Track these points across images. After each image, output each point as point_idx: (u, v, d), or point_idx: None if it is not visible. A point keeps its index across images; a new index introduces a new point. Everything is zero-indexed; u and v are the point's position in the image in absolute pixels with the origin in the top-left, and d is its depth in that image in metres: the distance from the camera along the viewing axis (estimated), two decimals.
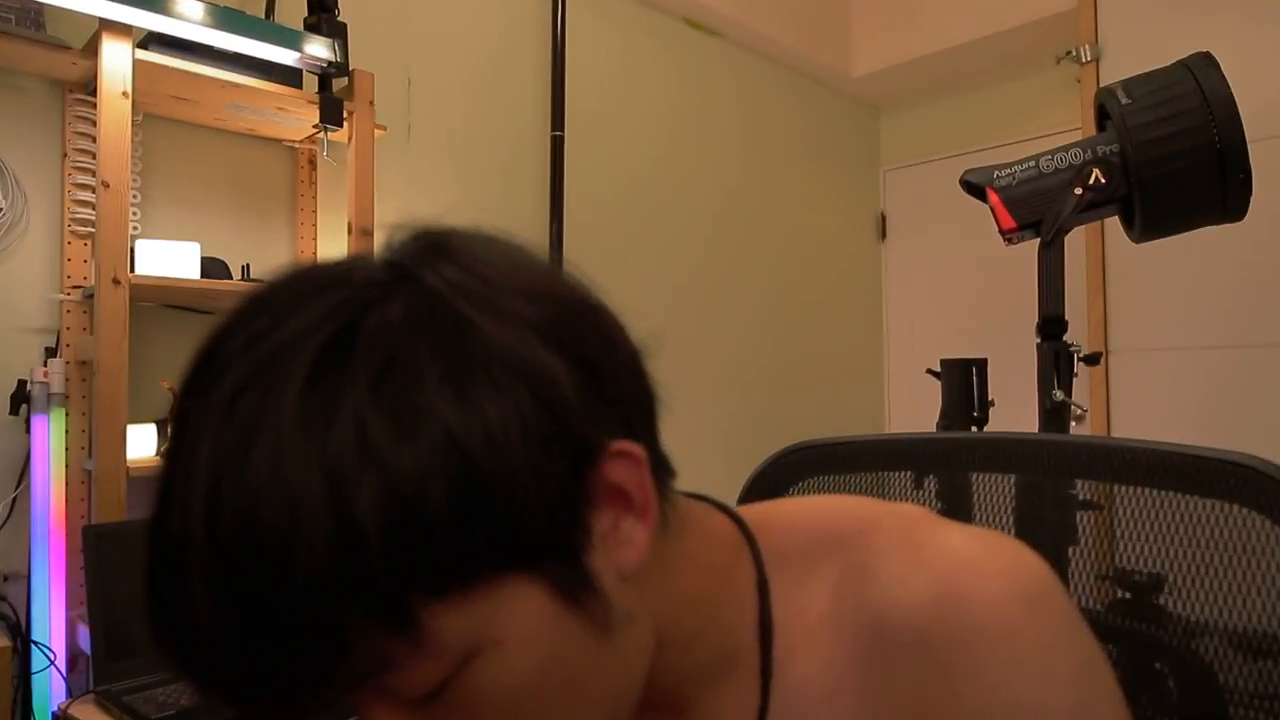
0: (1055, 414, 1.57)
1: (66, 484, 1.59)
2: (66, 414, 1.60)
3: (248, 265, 1.83)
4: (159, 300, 1.73)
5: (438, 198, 2.24)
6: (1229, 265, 2.36)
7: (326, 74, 1.78)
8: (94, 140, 1.57)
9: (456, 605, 0.36)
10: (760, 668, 0.47)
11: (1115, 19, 2.56)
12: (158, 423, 1.67)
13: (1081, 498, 0.69)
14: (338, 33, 1.77)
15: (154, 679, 1.36)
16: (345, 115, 1.81)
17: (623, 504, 0.41)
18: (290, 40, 1.69)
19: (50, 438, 1.55)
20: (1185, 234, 1.67)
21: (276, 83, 1.73)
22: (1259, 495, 0.58)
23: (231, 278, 1.75)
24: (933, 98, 3.54)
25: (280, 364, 0.35)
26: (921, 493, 0.76)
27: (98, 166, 1.53)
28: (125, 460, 1.52)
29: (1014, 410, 1.77)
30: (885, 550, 0.45)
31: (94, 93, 1.56)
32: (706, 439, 2.87)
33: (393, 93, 2.16)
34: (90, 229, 1.65)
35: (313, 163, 2.01)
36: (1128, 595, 0.67)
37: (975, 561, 0.43)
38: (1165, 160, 1.53)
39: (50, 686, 1.49)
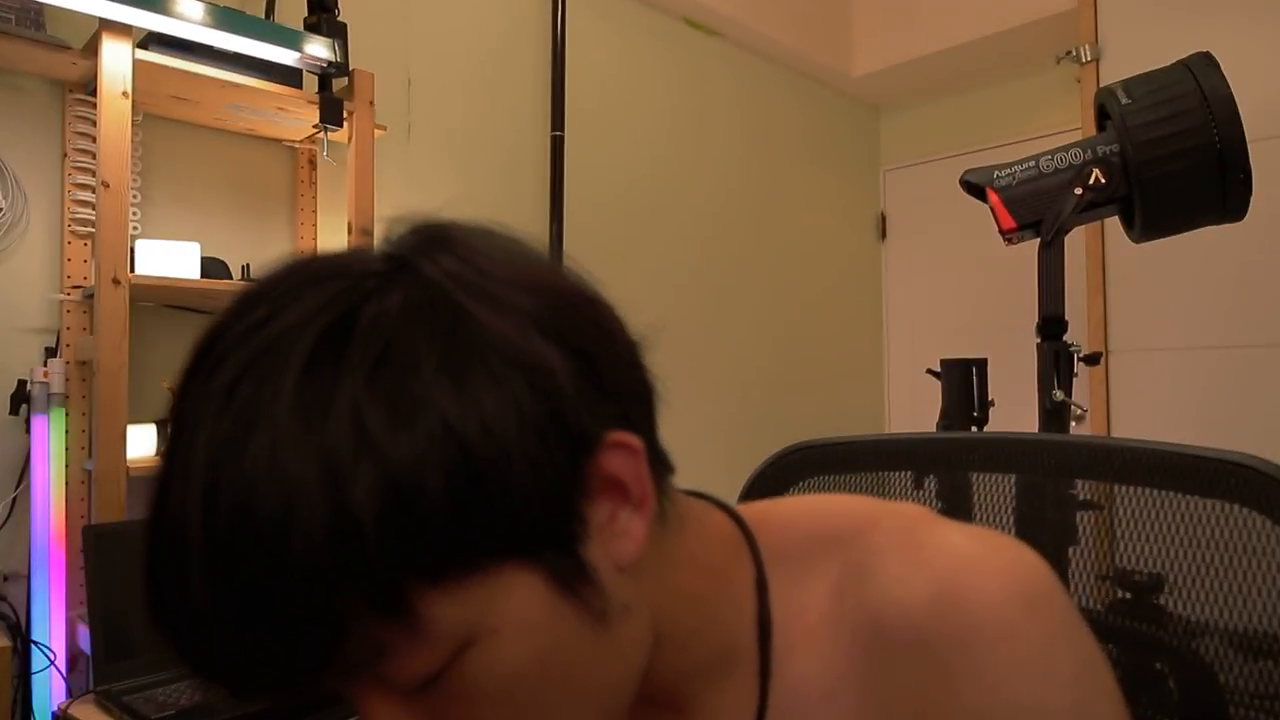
0: (1055, 414, 1.57)
1: (66, 484, 1.59)
2: (66, 414, 1.60)
3: (248, 265, 1.83)
4: (159, 300, 1.73)
5: (438, 198, 2.24)
6: (1229, 265, 2.36)
7: (326, 74, 1.78)
8: (94, 140, 1.57)
9: (453, 593, 0.36)
10: (759, 666, 0.47)
11: (1115, 19, 2.56)
12: (158, 423, 1.67)
13: (1081, 498, 0.69)
14: (338, 33, 1.77)
15: (154, 679, 1.35)
16: (345, 115, 1.81)
17: (620, 496, 0.41)
18: (290, 40, 1.69)
19: (50, 438, 1.55)
20: (1185, 234, 1.67)
21: (276, 83, 1.73)
22: (1259, 495, 0.58)
23: (231, 278, 1.75)
24: (933, 98, 3.54)
25: (277, 353, 0.35)
26: (921, 493, 0.76)
27: (98, 166, 1.53)
28: (125, 460, 1.52)
29: (1014, 410, 1.76)
30: (885, 549, 0.45)
31: (94, 93, 1.56)
32: (706, 439, 2.87)
33: (393, 93, 2.16)
34: (90, 229, 1.65)
35: (313, 163, 2.01)
36: (1128, 595, 0.67)
37: (975, 561, 0.43)
38: (1165, 160, 1.53)
39: (50, 686, 1.49)
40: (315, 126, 1.81)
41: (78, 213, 1.67)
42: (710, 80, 2.99)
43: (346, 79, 1.84)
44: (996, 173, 1.64)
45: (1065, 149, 1.61)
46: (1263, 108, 2.22)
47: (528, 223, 2.40)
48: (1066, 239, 1.58)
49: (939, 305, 3.51)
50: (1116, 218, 1.72)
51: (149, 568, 0.36)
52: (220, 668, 0.36)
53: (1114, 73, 2.26)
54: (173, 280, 1.61)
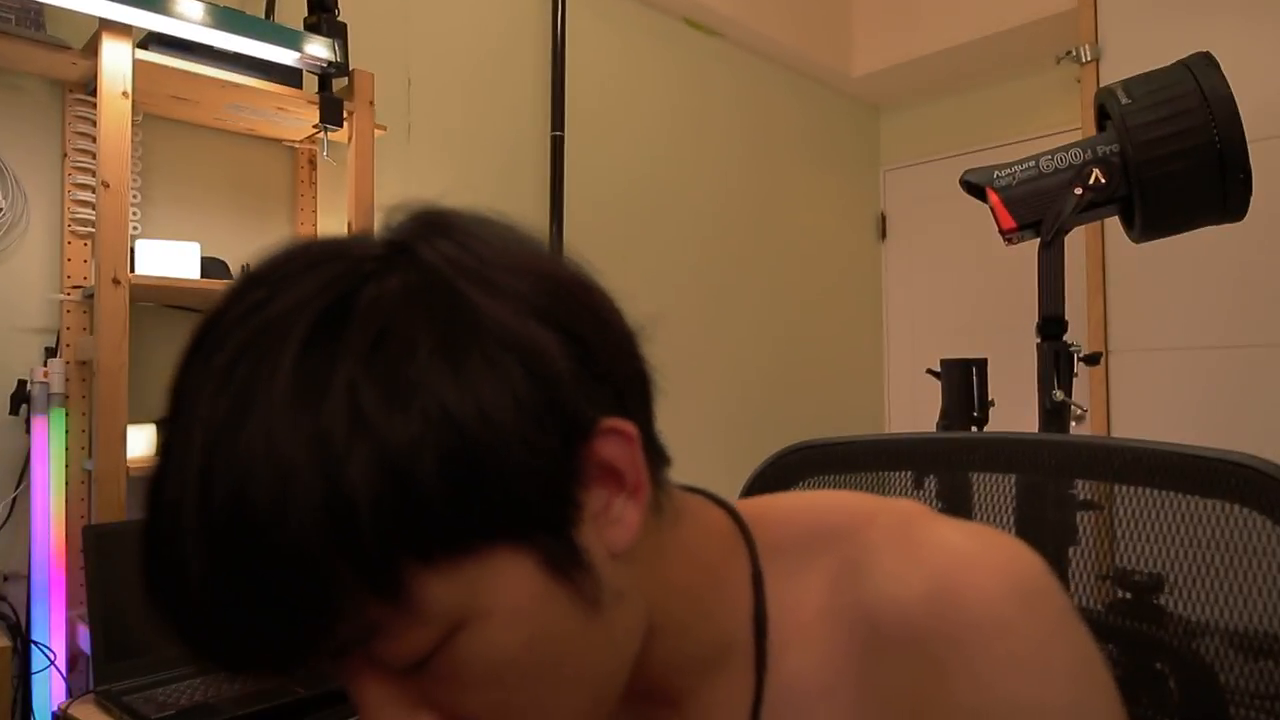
0: (1055, 414, 1.57)
1: (66, 484, 1.59)
2: (66, 414, 1.60)
3: (248, 265, 1.82)
4: (159, 300, 1.73)
5: (438, 198, 2.24)
6: (1229, 265, 2.36)
7: (326, 74, 1.78)
8: (94, 140, 1.57)
9: (445, 574, 0.36)
10: (755, 661, 0.47)
11: (1115, 19, 2.56)
12: (158, 423, 1.67)
13: (1081, 498, 0.69)
14: (338, 33, 1.77)
15: (154, 679, 1.36)
16: (345, 115, 1.81)
17: (615, 483, 0.41)
18: (290, 40, 1.69)
19: (50, 438, 1.55)
20: (1185, 234, 1.67)
21: (276, 83, 1.73)
22: (1259, 495, 0.58)
23: (231, 277, 1.75)
24: (933, 98, 3.54)
25: (275, 334, 0.35)
26: (921, 493, 0.76)
27: (98, 166, 1.53)
28: (125, 460, 1.52)
29: (1014, 410, 1.76)
30: (881, 546, 0.45)
31: (94, 93, 1.56)
32: (706, 439, 2.87)
33: (393, 93, 2.16)
34: (90, 229, 1.65)
35: (313, 163, 2.01)
36: (1128, 595, 0.67)
37: (971, 558, 0.43)
38: (1165, 160, 1.53)
39: (50, 686, 1.49)
40: (315, 126, 1.81)
41: (78, 213, 1.67)
42: (710, 80, 2.99)
43: (346, 79, 1.84)
44: (996, 173, 1.64)
45: (1065, 149, 1.61)
46: (1263, 108, 2.22)
47: (528, 223, 2.39)
48: (1066, 239, 1.58)
49: (939, 305, 3.51)
50: (1116, 218, 1.72)
51: (146, 546, 0.36)
52: (215, 645, 0.36)
53: (1114, 73, 2.26)
54: (173, 280, 1.61)
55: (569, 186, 2.48)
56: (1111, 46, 2.56)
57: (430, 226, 0.41)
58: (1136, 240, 1.71)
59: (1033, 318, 1.62)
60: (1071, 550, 0.69)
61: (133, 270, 1.57)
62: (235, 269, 1.78)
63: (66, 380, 1.60)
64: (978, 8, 3.05)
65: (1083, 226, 2.06)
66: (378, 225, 0.42)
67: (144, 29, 1.56)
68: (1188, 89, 1.54)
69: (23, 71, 1.63)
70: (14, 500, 1.59)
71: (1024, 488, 0.71)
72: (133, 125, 1.57)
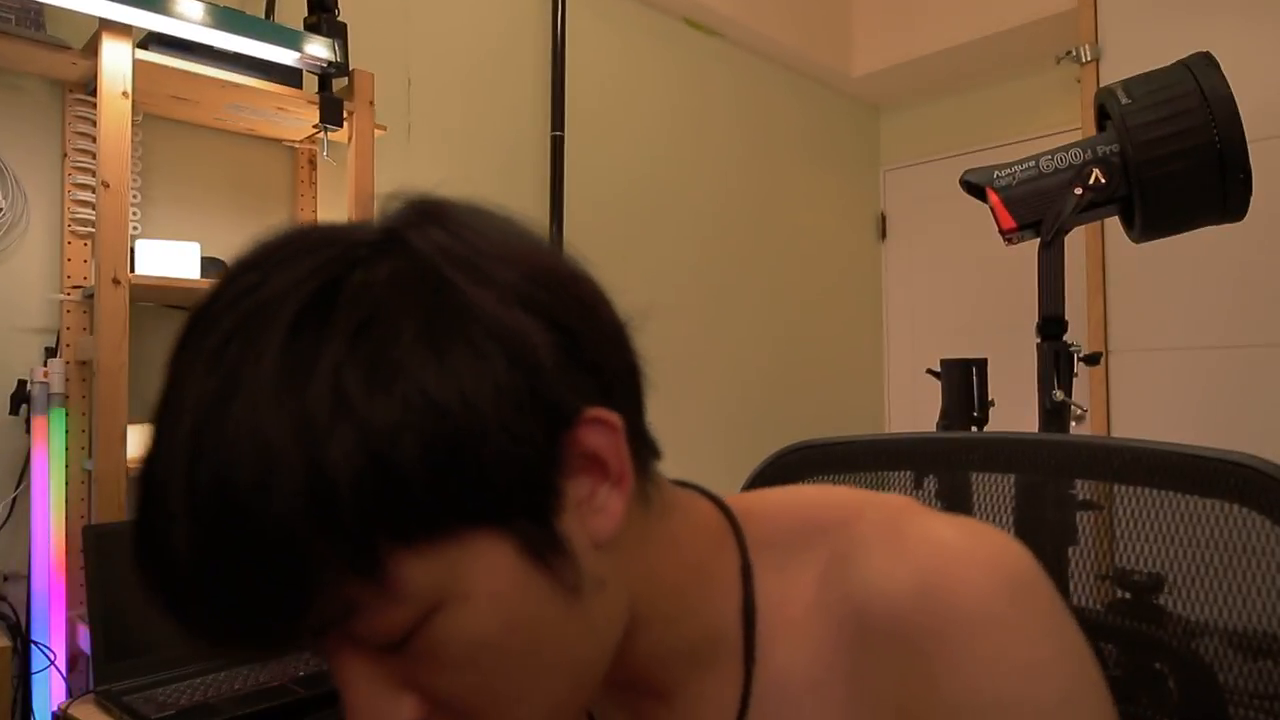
0: (1055, 414, 1.57)
1: (66, 484, 1.59)
2: (66, 414, 1.60)
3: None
4: (159, 300, 1.73)
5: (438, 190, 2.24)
6: (1229, 265, 2.36)
7: (326, 74, 1.78)
8: (94, 140, 1.57)
9: (424, 555, 0.36)
10: (743, 654, 0.47)
11: (1115, 19, 2.56)
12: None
13: (1081, 498, 0.69)
14: (338, 33, 1.77)
15: (154, 679, 1.36)
16: (345, 115, 1.81)
17: (600, 472, 0.41)
18: (290, 40, 1.69)
19: (50, 438, 1.55)
20: (1185, 234, 1.67)
21: (276, 83, 1.73)
22: (1259, 495, 0.58)
23: None
24: (933, 98, 3.54)
25: (264, 316, 0.36)
26: (921, 493, 0.76)
27: (98, 166, 1.53)
28: (125, 460, 1.52)
29: (1014, 410, 1.76)
30: (869, 540, 0.45)
31: (94, 93, 1.56)
32: (706, 439, 2.87)
33: (393, 93, 2.16)
34: (90, 229, 1.65)
35: (313, 163, 2.01)
36: (1128, 595, 0.67)
37: (959, 552, 0.43)
38: (1165, 160, 1.53)
39: (50, 686, 1.49)
40: (315, 126, 1.81)
41: (78, 213, 1.67)
42: (710, 80, 2.99)
43: (346, 79, 1.84)
44: (996, 173, 1.64)
45: (1065, 149, 1.61)
46: (1263, 108, 2.22)
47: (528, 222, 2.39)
48: (1066, 239, 1.58)
49: (939, 305, 3.51)
50: (1116, 218, 1.72)
51: (138, 520, 0.37)
52: (201, 620, 0.37)
53: (1114, 73, 2.26)
54: (173, 280, 1.61)
55: (569, 186, 2.48)
56: (1111, 46, 2.56)
57: (424, 215, 0.41)
58: (1136, 240, 1.71)
59: (1033, 318, 1.62)
60: (1071, 550, 0.69)
61: (133, 270, 1.58)
62: None
63: (66, 380, 1.60)
64: (978, 8, 3.05)
65: (1083, 226, 2.06)
66: (375, 212, 0.43)
67: (144, 29, 1.56)
68: (1188, 89, 1.54)
69: (23, 71, 1.63)
70: (14, 500, 1.59)
71: (1023, 488, 0.71)
72: (133, 125, 1.57)
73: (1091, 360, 1.67)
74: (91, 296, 1.58)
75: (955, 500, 0.74)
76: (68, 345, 1.64)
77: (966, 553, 0.42)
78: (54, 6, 1.50)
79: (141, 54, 1.56)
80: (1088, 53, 2.58)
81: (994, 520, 0.71)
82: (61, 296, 1.66)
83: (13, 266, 1.63)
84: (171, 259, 1.63)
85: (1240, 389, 2.35)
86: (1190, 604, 0.61)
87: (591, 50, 2.61)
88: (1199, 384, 2.42)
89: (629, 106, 2.73)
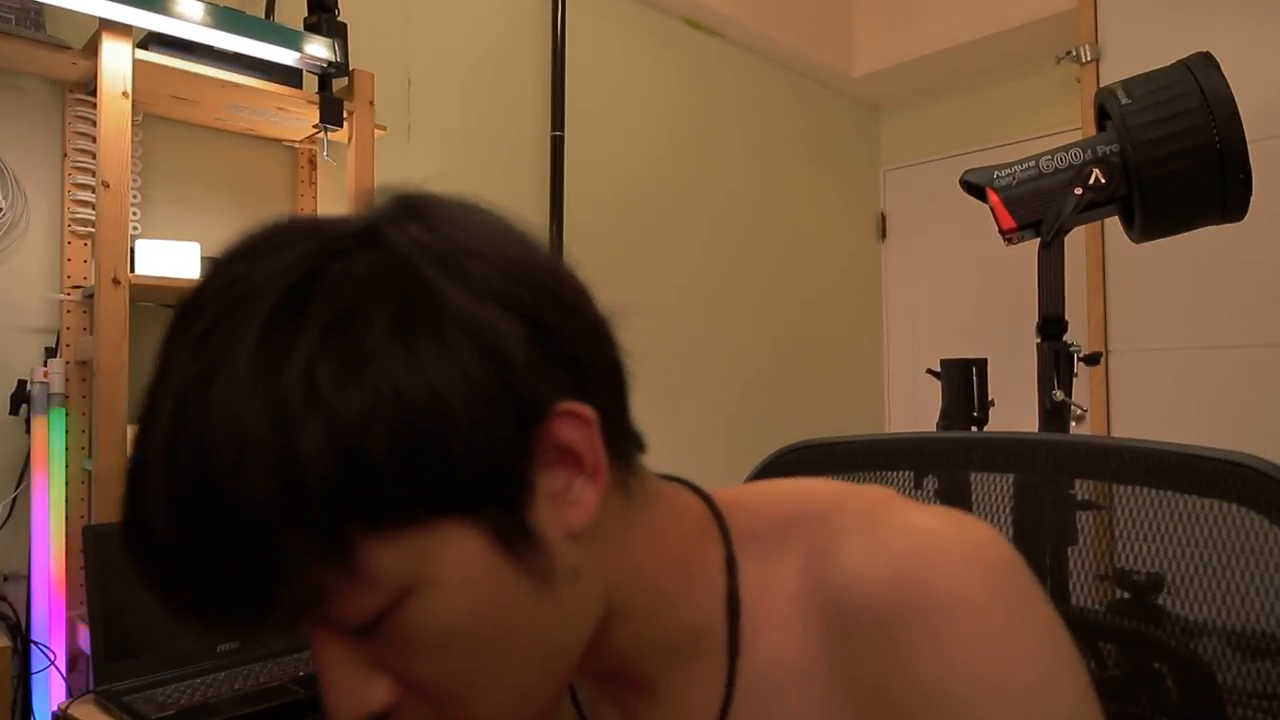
0: (1055, 414, 1.57)
1: (66, 484, 1.59)
2: (66, 414, 1.60)
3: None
4: (159, 300, 1.73)
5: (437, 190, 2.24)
6: (1229, 265, 2.36)
7: (326, 74, 1.78)
8: (94, 140, 1.57)
9: (393, 542, 0.37)
10: (727, 646, 0.48)
11: (1115, 19, 2.56)
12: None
13: (1080, 497, 0.69)
14: (338, 33, 1.77)
15: (154, 679, 1.36)
16: (345, 115, 1.81)
17: (574, 465, 0.42)
18: (290, 40, 1.69)
19: (50, 438, 1.55)
20: (1185, 234, 1.67)
21: (276, 83, 1.73)
22: (1258, 495, 0.58)
23: None
24: (933, 98, 3.54)
25: (245, 306, 0.37)
26: (921, 492, 0.76)
27: (98, 166, 1.53)
28: (125, 460, 1.52)
29: (1014, 410, 1.76)
30: (849, 530, 0.46)
31: (94, 93, 1.56)
32: (706, 438, 2.87)
33: (393, 93, 2.16)
34: (90, 229, 1.65)
35: (313, 163, 2.01)
36: (1127, 595, 0.67)
37: (934, 538, 0.43)
38: (1165, 160, 1.53)
39: (50, 686, 1.49)
40: (315, 126, 1.81)
41: (78, 213, 1.67)
42: (710, 80, 2.99)
43: (346, 79, 1.84)
44: (996, 173, 1.64)
45: (1065, 149, 1.61)
46: (1263, 108, 2.22)
47: (528, 223, 2.39)
48: (1066, 239, 1.58)
49: (939, 305, 3.51)
50: (1116, 218, 1.72)
51: (125, 500, 0.39)
52: (181, 599, 0.38)
53: (1114, 73, 2.26)
54: (173, 280, 1.61)
55: (569, 186, 2.48)
56: (1111, 46, 2.56)
57: (408, 211, 0.42)
58: (1136, 240, 1.71)
59: (1033, 318, 1.62)
60: (1071, 550, 0.69)
61: (133, 270, 1.58)
62: None
63: (66, 380, 1.61)
64: (978, 8, 3.05)
65: (1083, 226, 2.06)
66: (358, 207, 0.43)
67: (144, 29, 1.56)
68: (1188, 89, 1.54)
69: (23, 71, 1.63)
70: (14, 500, 1.59)
71: (1023, 487, 0.71)
72: (133, 125, 1.57)
73: (1091, 360, 1.67)
74: (91, 296, 1.58)
75: (955, 500, 0.74)
76: (68, 345, 1.64)
77: (942, 539, 0.43)
78: (54, 6, 1.50)
79: (141, 54, 1.56)
80: (1088, 53, 2.58)
81: (993, 520, 0.71)
82: (61, 296, 1.66)
83: (13, 266, 1.63)
84: (171, 259, 1.63)
85: (1240, 389, 2.35)
86: (1189, 604, 0.61)
87: (591, 50, 2.61)
88: (1199, 384, 2.42)
89: (629, 106, 2.73)
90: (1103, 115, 1.69)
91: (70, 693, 1.48)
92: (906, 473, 0.77)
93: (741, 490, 0.53)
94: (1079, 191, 1.56)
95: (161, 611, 0.39)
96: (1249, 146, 1.52)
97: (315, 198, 2.02)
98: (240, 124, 1.87)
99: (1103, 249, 2.57)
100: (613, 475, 0.45)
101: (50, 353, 1.64)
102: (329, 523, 0.36)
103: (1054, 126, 3.03)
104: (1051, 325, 1.59)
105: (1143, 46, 2.44)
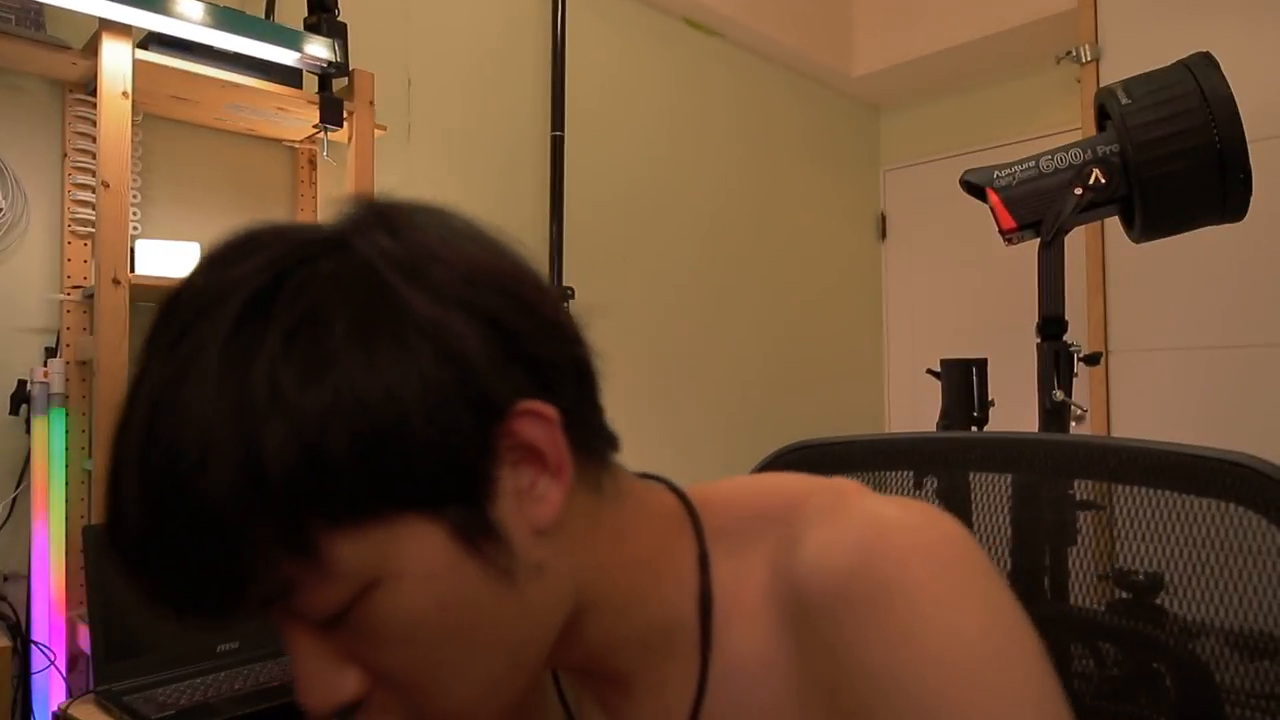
0: (1055, 414, 1.57)
1: (66, 484, 1.59)
2: (66, 414, 1.60)
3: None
4: (159, 300, 1.73)
5: (438, 198, 2.24)
6: (1229, 265, 2.36)
7: (326, 74, 1.78)
8: (94, 140, 1.57)
9: (355, 537, 0.39)
10: (700, 640, 0.49)
11: (1115, 19, 2.56)
12: None
13: (1080, 497, 0.69)
14: (338, 33, 1.77)
15: (154, 679, 1.36)
16: (345, 115, 1.81)
17: (539, 463, 0.43)
18: (290, 40, 1.69)
19: (50, 438, 1.55)
20: (1185, 234, 1.67)
21: (276, 83, 1.73)
22: (1257, 495, 0.58)
23: None
24: (933, 98, 3.54)
25: (213, 311, 0.39)
26: (921, 492, 0.76)
27: (98, 166, 1.53)
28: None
29: (1014, 410, 1.76)
30: (813, 521, 0.47)
31: (94, 93, 1.56)
32: (706, 438, 2.87)
33: (393, 93, 2.16)
34: (90, 229, 1.65)
35: (313, 163, 2.01)
36: (1127, 595, 0.67)
37: (887, 525, 0.44)
38: (1165, 160, 1.53)
39: (50, 686, 1.49)
40: (315, 126, 1.81)
41: (78, 213, 1.67)
42: (710, 80, 2.99)
43: (346, 79, 1.84)
44: (996, 173, 1.64)
45: (1065, 149, 1.61)
46: (1263, 108, 2.22)
47: (528, 223, 2.40)
48: (1066, 239, 1.58)
49: (939, 305, 3.51)
50: (1116, 218, 1.72)
51: (105, 497, 0.41)
52: (153, 587, 0.40)
53: (1114, 73, 2.26)
54: (173, 280, 1.61)
55: (569, 186, 2.48)
56: (1111, 46, 2.56)
57: (375, 218, 0.44)
58: (1136, 240, 1.71)
59: (1033, 318, 1.62)
60: (1070, 550, 0.69)
61: (133, 270, 1.58)
62: None
63: (66, 380, 1.61)
64: (978, 8, 3.05)
65: (1083, 226, 2.06)
66: (331, 215, 0.45)
67: (144, 29, 1.56)
68: (1188, 89, 1.54)
69: (23, 71, 1.63)
70: (14, 500, 1.59)
71: (1022, 487, 0.71)
72: (133, 125, 1.57)
73: (1091, 360, 1.67)
74: (91, 296, 1.58)
75: (954, 500, 0.74)
76: (68, 345, 1.64)
77: (895, 525, 0.44)
78: (54, 6, 1.50)
79: (141, 54, 1.56)
80: (1088, 53, 2.58)
81: (993, 520, 0.71)
82: (61, 296, 1.66)
83: (13, 266, 1.63)
84: (171, 259, 1.64)
85: (1240, 389, 2.35)
86: (1188, 604, 0.62)
87: (591, 50, 2.61)
88: (1198, 384, 2.42)
89: (629, 106, 2.73)
90: (1103, 115, 1.69)
91: (70, 693, 1.48)
92: (906, 473, 0.77)
93: (715, 486, 0.54)
94: (1079, 191, 1.56)
95: (140, 603, 0.40)
96: (1249, 146, 1.52)
97: (315, 198, 2.02)
98: (240, 124, 1.87)
99: (1103, 249, 2.57)
100: (582, 472, 0.46)
101: (50, 353, 1.64)
102: (292, 518, 0.38)
103: (1054, 126, 3.03)
104: (1051, 325, 1.59)
105: (1143, 46, 2.44)
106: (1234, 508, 0.59)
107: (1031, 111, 3.21)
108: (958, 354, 1.84)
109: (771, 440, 0.87)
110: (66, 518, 1.57)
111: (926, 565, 0.42)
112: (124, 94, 1.53)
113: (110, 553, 0.41)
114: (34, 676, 1.48)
